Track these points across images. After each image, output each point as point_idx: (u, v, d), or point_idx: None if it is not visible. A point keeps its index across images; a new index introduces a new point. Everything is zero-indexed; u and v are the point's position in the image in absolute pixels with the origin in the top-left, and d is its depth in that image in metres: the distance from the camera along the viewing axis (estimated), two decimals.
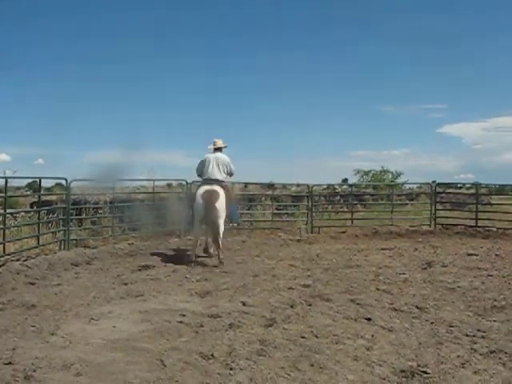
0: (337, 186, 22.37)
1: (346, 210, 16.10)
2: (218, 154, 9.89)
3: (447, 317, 5.76)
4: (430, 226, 14.71)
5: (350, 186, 18.48)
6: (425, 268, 8.83)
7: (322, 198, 17.39)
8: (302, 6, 44.88)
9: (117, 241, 10.99)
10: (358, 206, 17.28)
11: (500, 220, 15.11)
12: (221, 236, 9.22)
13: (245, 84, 48.30)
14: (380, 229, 14.10)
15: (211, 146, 10.01)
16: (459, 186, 23.54)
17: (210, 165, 9.74)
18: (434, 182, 15.93)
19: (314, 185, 14.88)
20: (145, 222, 11.77)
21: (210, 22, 47.34)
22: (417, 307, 6.15)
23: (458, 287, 7.28)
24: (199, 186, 9.80)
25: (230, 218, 10.47)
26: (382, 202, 17.41)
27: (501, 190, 19.86)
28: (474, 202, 16.01)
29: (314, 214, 14.78)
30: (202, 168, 9.82)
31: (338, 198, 18.46)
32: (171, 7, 45.09)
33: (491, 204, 18.60)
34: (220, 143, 10.11)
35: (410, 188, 22.93)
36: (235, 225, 12.34)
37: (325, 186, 20.94)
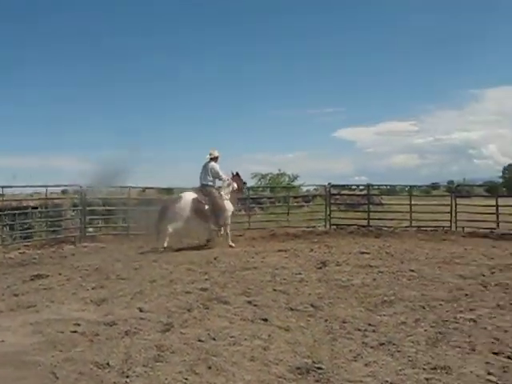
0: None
1: (243, 213, 16.32)
2: (209, 163, 12.14)
3: (341, 313, 6.03)
4: (325, 226, 15.28)
5: (248, 189, 18.75)
6: (320, 267, 9.15)
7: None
8: None
9: (7, 250, 10.44)
10: (256, 209, 17.59)
11: (390, 219, 16.03)
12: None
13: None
14: (277, 231, 14.47)
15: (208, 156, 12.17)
16: (353, 187, 24.55)
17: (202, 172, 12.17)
18: (329, 184, 16.58)
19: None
20: (37, 229, 11.28)
21: None
22: (312, 306, 6.38)
23: (352, 284, 7.64)
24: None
25: (216, 224, 12.29)
26: (280, 205, 17.85)
27: (391, 190, 21.07)
28: (367, 202, 16.89)
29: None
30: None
31: (236, 201, 18.67)
32: None
33: (382, 204, 19.62)
34: (215, 152, 12.21)
35: (306, 190, 23.61)
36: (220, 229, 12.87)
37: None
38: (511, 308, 6.24)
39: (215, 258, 10.29)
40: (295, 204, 17.93)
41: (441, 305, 6.39)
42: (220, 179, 12.35)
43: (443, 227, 15.13)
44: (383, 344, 4.93)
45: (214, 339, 5.10)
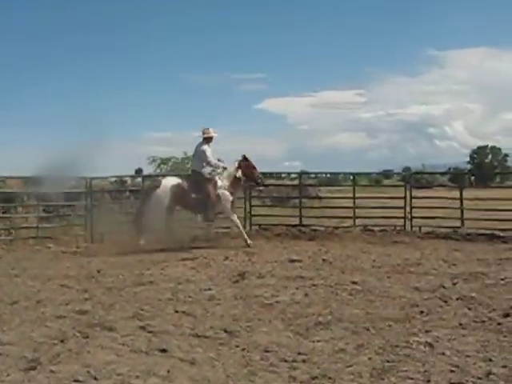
0: (128, 179, 22.36)
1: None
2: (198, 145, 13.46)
3: (262, 340, 6.11)
4: (244, 226, 15.43)
5: (144, 178, 18.59)
6: (236, 281, 9.26)
7: (107, 196, 17.31)
8: None
9: None
10: None
11: (329, 217, 16.39)
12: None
13: None
14: (182, 233, 14.44)
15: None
16: (282, 176, 24.82)
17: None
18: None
19: (94, 178, 14.74)
20: None
21: None
22: (225, 331, 6.43)
23: (277, 302, 7.77)
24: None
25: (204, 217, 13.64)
26: None
27: (331, 180, 21.50)
28: (299, 195, 17.16)
29: (95, 217, 14.66)
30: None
31: (128, 194, 18.50)
32: None
33: (320, 198, 20.02)
34: (211, 132, 13.45)
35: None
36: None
37: (112, 179, 20.83)
38: (475, 327, 6.54)
39: (99, 271, 10.19)
40: None
41: (390, 326, 6.62)
42: (210, 165, 13.34)
43: (395, 226, 15.63)
44: (316, 378, 5.05)
45: (96, 378, 5.05)
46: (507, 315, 6.96)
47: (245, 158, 14.04)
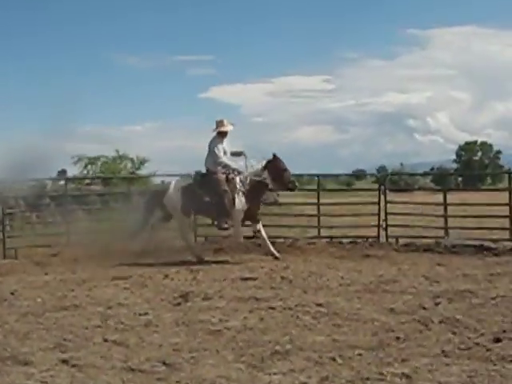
0: (48, 182, 22.13)
1: (60, 218, 16.06)
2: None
3: (209, 374, 6.11)
4: (195, 238, 15.47)
5: (68, 180, 18.45)
6: (178, 304, 9.27)
7: (21, 203, 17.14)
8: None
9: None
10: (80, 212, 17.35)
11: (290, 226, 16.48)
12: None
13: None
14: (113, 246, 14.36)
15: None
16: None
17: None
18: (197, 172, 16.71)
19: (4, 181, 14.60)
20: None
21: None
22: (164, 363, 6.42)
23: (226, 329, 7.78)
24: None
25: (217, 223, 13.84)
26: (118, 207, 17.76)
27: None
28: None
29: (6, 229, 14.52)
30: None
31: (48, 201, 18.33)
32: None
33: (279, 204, 20.07)
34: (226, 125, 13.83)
35: (161, 183, 23.59)
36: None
37: (29, 183, 20.58)
38: (460, 355, 6.62)
39: (12, 293, 10.08)
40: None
41: (360, 355, 6.67)
42: (219, 164, 13.67)
43: (367, 237, 15.78)
44: None
45: None
46: (498, 340, 7.05)
47: (274, 158, 13.96)
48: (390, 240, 15.68)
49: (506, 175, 16.61)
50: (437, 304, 9.04)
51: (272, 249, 13.87)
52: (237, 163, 14.00)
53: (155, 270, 12.35)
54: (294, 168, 14.38)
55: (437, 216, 15.82)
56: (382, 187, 16.53)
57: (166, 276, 11.60)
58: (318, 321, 8.15)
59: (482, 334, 7.35)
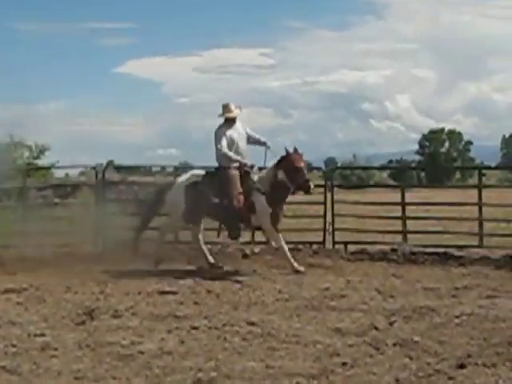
0: None
1: None
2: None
3: None
4: (94, 243, 15.40)
5: None
6: (82, 322, 9.25)
7: None
8: None
9: None
10: None
11: (217, 230, 16.50)
12: None
13: None
14: (6, 253, 14.28)
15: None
16: (153, 169, 24.79)
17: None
18: (104, 164, 16.66)
19: None
20: None
21: None
22: None
23: (140, 353, 7.80)
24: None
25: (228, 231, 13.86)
26: (10, 204, 17.71)
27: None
28: None
29: None
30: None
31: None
32: None
33: None
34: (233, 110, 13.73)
35: (65, 176, 23.58)
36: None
37: None
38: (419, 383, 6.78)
39: None
40: (40, 202, 17.79)
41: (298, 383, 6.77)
42: (224, 156, 13.53)
43: (310, 243, 15.94)
44: None
45: None
46: (462, 366, 7.18)
47: (295, 151, 13.59)
48: (337, 246, 15.82)
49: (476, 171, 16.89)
50: (391, 323, 9.19)
51: (293, 262, 13.52)
52: (247, 157, 13.79)
53: (55, 280, 12.23)
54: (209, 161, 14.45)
55: (394, 218, 15.98)
56: (329, 183, 16.61)
57: (69, 289, 11.53)
58: (250, 343, 8.22)
59: (444, 359, 7.48)
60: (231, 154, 13.44)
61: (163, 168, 23.40)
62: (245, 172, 13.52)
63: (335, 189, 16.49)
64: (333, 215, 15.98)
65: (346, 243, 15.75)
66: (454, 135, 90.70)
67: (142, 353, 7.78)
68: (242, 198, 13.29)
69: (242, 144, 13.78)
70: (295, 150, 13.51)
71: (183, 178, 14.05)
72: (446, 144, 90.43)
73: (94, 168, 16.77)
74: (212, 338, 8.43)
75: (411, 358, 7.57)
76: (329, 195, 16.12)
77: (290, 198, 15.62)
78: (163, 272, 13.29)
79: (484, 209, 15.72)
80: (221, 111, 13.71)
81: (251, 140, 14.06)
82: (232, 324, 9.06)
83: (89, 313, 9.65)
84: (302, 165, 13.42)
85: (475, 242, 15.33)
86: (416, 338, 8.30)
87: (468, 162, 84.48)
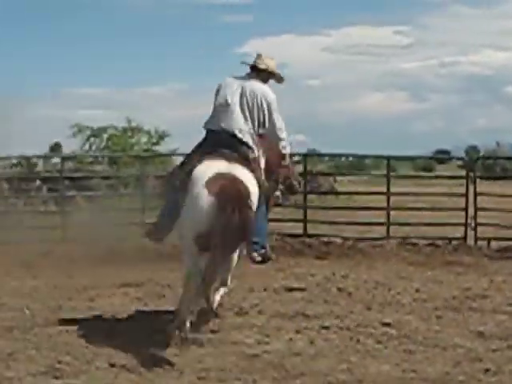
0: (36, 160, 22.33)
1: (54, 208, 16.26)
2: (255, 84, 9.35)
3: None
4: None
5: (64, 159, 18.55)
6: None
7: (6, 186, 17.37)
8: None
9: None
10: (79, 199, 17.51)
11: (349, 223, 16.50)
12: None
13: None
14: (123, 245, 14.52)
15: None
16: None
17: (229, 102, 9.07)
18: None
19: None
20: None
21: None
22: None
23: (265, 353, 7.86)
24: (196, 159, 8.89)
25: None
26: (127, 192, 17.94)
27: (357, 164, 21.66)
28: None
29: None
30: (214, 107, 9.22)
31: (39, 184, 18.54)
32: None
33: (337, 192, 20.15)
34: (269, 63, 9.54)
35: None
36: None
37: (14, 161, 20.85)
38: None
39: None
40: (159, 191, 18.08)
41: None
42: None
43: (450, 239, 15.91)
44: None
45: None
46: None
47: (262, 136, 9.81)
48: (479, 243, 15.63)
49: None
50: None
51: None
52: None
53: (175, 275, 12.35)
54: (357, 147, 14.24)
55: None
56: (472, 174, 16.41)
57: None
58: (385, 345, 8.22)
59: None
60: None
61: (291, 156, 23.25)
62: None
63: (478, 180, 16.27)
64: (475, 209, 15.79)
65: (489, 239, 15.54)
66: None
67: (266, 353, 7.86)
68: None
69: (236, 112, 9.19)
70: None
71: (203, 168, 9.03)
72: None
73: None
74: (344, 340, 8.45)
75: None
76: (471, 187, 15.90)
77: (427, 189, 15.46)
78: (288, 266, 13.32)
79: None
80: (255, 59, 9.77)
81: (263, 124, 9.38)
82: (365, 325, 9.07)
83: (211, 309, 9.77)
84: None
85: None
86: None
87: None
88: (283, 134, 9.40)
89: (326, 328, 8.92)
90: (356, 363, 7.50)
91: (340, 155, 20.95)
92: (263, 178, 9.25)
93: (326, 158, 23.20)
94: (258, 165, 9.16)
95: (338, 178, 20.90)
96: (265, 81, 9.54)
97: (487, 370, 7.25)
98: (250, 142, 8.93)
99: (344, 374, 7.12)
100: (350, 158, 21.87)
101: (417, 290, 11.27)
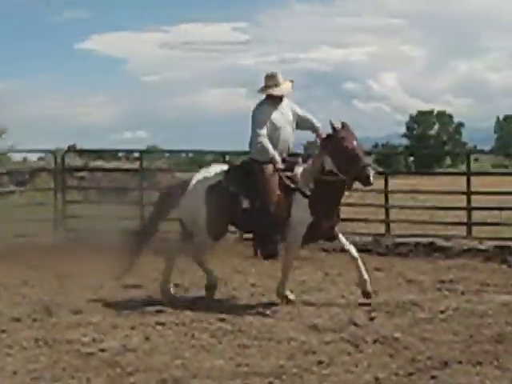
0: None
1: None
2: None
3: None
4: (54, 235, 15.43)
5: None
6: (40, 319, 9.28)
7: None
8: None
9: None
10: None
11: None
12: None
13: None
14: None
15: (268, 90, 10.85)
16: (119, 155, 24.98)
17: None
18: (66, 149, 16.76)
19: None
20: None
21: None
22: None
23: (100, 351, 7.87)
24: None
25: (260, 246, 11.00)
26: None
27: (198, 160, 21.75)
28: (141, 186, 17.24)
29: None
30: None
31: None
32: None
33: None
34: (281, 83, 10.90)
35: (23, 160, 23.62)
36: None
37: None
38: (398, 383, 6.87)
39: None
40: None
41: None
42: (259, 145, 10.61)
43: None
44: None
45: None
46: (445, 365, 7.26)
47: (343, 126, 10.43)
48: None
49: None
50: (371, 319, 9.27)
51: (366, 279, 10.53)
52: (290, 148, 11.10)
53: (11, 274, 12.22)
54: (194, 143, 14.27)
55: (376, 206, 15.98)
56: None
57: (26, 283, 11.67)
58: (219, 340, 8.34)
59: (427, 357, 7.53)
60: (270, 146, 10.55)
61: (129, 152, 23.07)
62: (284, 168, 10.58)
63: None
64: None
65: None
66: (443, 117, 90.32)
67: (103, 351, 7.89)
68: (280, 200, 10.49)
69: (287, 131, 10.89)
70: (343, 125, 10.39)
71: (201, 175, 11.00)
72: (436, 127, 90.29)
73: (53, 152, 16.77)
74: (179, 335, 8.58)
75: (391, 356, 7.64)
76: None
77: None
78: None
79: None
80: (263, 84, 10.92)
81: (304, 124, 11.15)
82: (201, 320, 9.20)
83: (46, 309, 9.71)
84: (355, 145, 10.29)
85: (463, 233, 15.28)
86: (397, 335, 8.37)
87: (459, 146, 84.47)
88: (256, 140, 10.78)
89: (162, 324, 9.00)
90: (190, 359, 7.61)
91: (180, 151, 21.01)
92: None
93: (167, 155, 23.16)
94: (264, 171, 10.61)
95: (177, 175, 20.84)
96: (277, 101, 10.89)
97: (320, 362, 7.42)
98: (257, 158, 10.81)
99: (178, 370, 7.22)
100: (190, 155, 21.85)
101: (252, 285, 11.40)
